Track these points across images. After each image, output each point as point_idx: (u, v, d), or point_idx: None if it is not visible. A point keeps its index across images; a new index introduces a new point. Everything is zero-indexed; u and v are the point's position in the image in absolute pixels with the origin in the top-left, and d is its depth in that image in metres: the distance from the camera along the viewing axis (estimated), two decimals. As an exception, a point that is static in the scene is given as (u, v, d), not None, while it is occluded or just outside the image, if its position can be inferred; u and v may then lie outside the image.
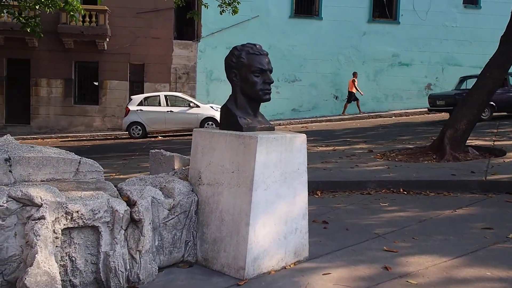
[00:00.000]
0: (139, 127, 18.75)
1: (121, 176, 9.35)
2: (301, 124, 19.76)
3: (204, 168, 4.49)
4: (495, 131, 13.21)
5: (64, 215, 3.21)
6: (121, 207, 3.65)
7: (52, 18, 20.71)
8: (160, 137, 18.51)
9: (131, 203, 3.91)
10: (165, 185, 4.53)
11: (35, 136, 20.11)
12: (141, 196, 4.14)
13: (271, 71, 4.43)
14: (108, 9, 21.18)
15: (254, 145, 4.11)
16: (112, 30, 21.66)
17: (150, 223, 3.84)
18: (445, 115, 19.47)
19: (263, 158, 4.15)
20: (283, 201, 4.34)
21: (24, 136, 20.03)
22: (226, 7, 13.14)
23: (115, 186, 4.35)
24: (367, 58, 22.02)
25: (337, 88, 21.06)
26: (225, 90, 22.36)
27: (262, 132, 4.37)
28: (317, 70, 21.51)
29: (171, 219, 4.18)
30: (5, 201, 2.94)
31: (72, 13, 9.11)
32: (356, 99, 21.09)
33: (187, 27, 24.22)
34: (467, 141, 10.23)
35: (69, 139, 19.55)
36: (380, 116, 20.41)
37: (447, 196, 7.07)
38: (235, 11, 13.20)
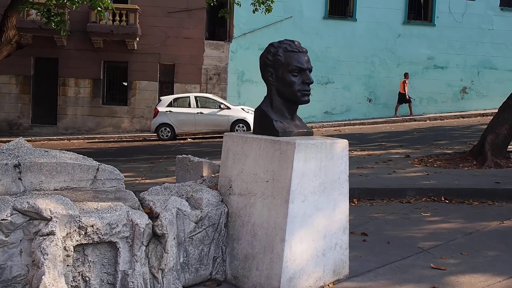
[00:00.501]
0: (168, 129, 18.49)
1: (147, 181, 9.06)
2: (333, 127, 19.27)
3: (235, 177, 4.11)
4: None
5: (77, 230, 2.83)
6: (142, 220, 3.26)
7: (82, 16, 20.71)
8: (189, 140, 18.22)
9: (153, 216, 3.53)
10: (192, 195, 4.15)
11: (61, 137, 20.08)
12: (165, 207, 3.76)
13: (310, 70, 4.01)
14: (138, 8, 21.05)
15: (292, 151, 3.71)
16: (142, 29, 21.51)
17: (174, 238, 3.45)
18: (481, 119, 18.76)
19: (301, 166, 3.76)
20: (322, 213, 3.94)
21: (50, 137, 20.02)
22: (259, 6, 12.69)
23: (137, 196, 3.99)
24: (401, 61, 21.42)
25: (370, 91, 20.48)
26: (257, 92, 22.11)
27: (300, 138, 3.97)
28: (351, 72, 21.00)
29: (198, 232, 3.79)
30: (9, 214, 2.58)
31: (99, 9, 8.79)
32: (409, 101, 20.53)
33: (219, 28, 23.96)
34: (508, 147, 9.77)
35: (96, 140, 19.44)
36: (415, 120, 19.78)
37: (492, 206, 6.66)
38: (268, 10, 12.75)
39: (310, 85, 4.01)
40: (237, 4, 12.80)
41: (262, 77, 4.14)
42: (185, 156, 4.91)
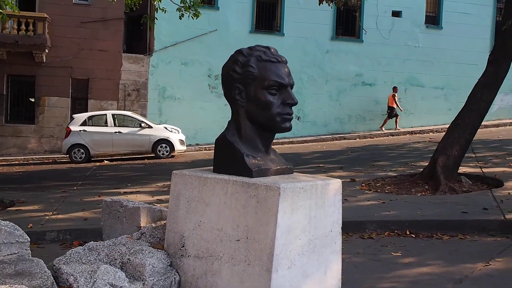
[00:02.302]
0: (82, 150, 16.80)
1: (59, 216, 7.63)
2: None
3: (190, 232, 3.05)
4: (473, 155, 12.44)
5: None
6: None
7: (-18, 25, 18.65)
8: (106, 162, 16.63)
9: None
10: (128, 259, 3.03)
11: (-43, 160, 17.75)
12: (93, 285, 2.58)
13: (292, 86, 3.00)
14: (48, 16, 19.18)
15: (275, 200, 2.75)
16: (52, 40, 19.64)
17: None
18: (411, 137, 18.73)
19: (287, 220, 2.80)
20: (311, 281, 3.01)
21: None
22: (185, 11, 11.51)
23: (50, 267, 2.77)
24: (330, 77, 21.07)
25: (299, 108, 19.86)
26: (180, 109, 20.86)
27: (281, 178, 2.96)
28: (278, 88, 20.42)
29: (142, 320, 2.63)
30: None
31: (0, 11, 7.31)
32: (397, 115, 20.15)
33: (138, 40, 22.61)
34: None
35: (-1, 163, 17.36)
36: (345, 138, 19.45)
37: (465, 240, 6.09)
38: (196, 15, 11.62)
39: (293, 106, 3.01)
40: (162, 10, 11.53)
41: (225, 95, 3.09)
42: (115, 199, 3.69)
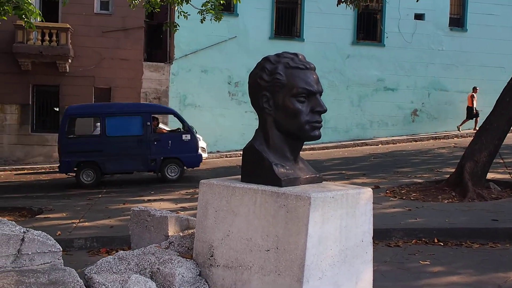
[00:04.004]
0: (105, 158, 16.96)
1: (86, 224, 7.68)
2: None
3: (218, 242, 3.01)
4: (501, 161, 12.15)
5: None
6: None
7: (7, 36, 18.92)
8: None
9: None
10: (158, 268, 3.02)
11: (-14, 169, 18.04)
12: (124, 295, 2.57)
13: (321, 93, 2.95)
14: (70, 27, 19.44)
15: (305, 210, 2.69)
16: (74, 50, 19.86)
17: None
18: (435, 143, 18.43)
19: (318, 230, 2.74)
20: None
21: (-27, 169, 17.93)
22: (207, 13, 11.43)
23: (82, 276, 2.78)
24: (351, 83, 20.85)
25: (319, 114, 19.80)
26: (201, 116, 20.79)
27: (311, 187, 2.91)
28: (298, 94, 20.31)
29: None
30: None
31: (26, 20, 7.41)
32: (477, 116, 19.42)
33: (158, 49, 22.73)
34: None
35: (25, 171, 17.56)
36: (366, 144, 19.23)
37: (496, 249, 5.91)
38: (218, 18, 11.55)
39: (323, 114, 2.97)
40: (184, 15, 11.48)
41: (252, 103, 3.05)
42: (143, 209, 3.69)
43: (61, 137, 13.05)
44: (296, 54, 2.96)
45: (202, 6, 11.57)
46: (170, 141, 13.14)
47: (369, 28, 21.37)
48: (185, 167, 13.12)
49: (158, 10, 12.22)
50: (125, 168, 12.97)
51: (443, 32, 21.49)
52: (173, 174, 12.90)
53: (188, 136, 13.17)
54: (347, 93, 20.82)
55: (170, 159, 12.89)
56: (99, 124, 13.56)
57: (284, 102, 2.87)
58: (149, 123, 12.99)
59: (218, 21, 11.76)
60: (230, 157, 17.86)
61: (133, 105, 15.48)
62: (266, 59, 2.97)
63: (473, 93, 19.70)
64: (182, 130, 13.59)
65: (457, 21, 21.84)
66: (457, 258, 5.56)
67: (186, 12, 11.64)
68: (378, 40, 21.37)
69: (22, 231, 2.77)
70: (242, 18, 20.55)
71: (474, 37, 21.15)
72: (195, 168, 13.72)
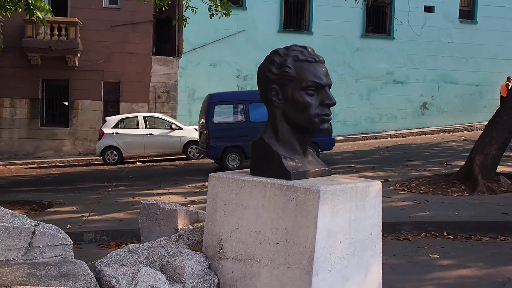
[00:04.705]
0: (114, 152, 17.03)
1: (96, 217, 7.73)
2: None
3: (228, 235, 3.02)
4: (511, 154, 12.09)
5: None
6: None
7: (16, 30, 19.05)
8: (138, 163, 16.82)
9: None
10: (168, 261, 3.03)
11: (-5, 163, 18.21)
12: (135, 287, 2.59)
13: (330, 86, 2.94)
14: (79, 21, 19.53)
15: (314, 202, 2.65)
16: (84, 44, 19.99)
17: None
18: (444, 136, 18.35)
19: (327, 223, 2.73)
20: (352, 285, 2.94)
21: (-16, 163, 18.10)
22: (216, 9, 11.44)
23: (92, 269, 2.81)
24: (360, 76, 20.79)
25: (328, 108, 19.79)
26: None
27: (320, 180, 2.90)
28: (307, 88, 20.27)
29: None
30: None
31: (37, 14, 7.43)
32: None
33: (166, 43, 22.76)
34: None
35: (35, 165, 17.70)
36: (376, 138, 19.17)
37: (506, 242, 5.90)
38: (227, 14, 11.55)
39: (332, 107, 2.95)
40: (192, 9, 11.48)
41: (261, 96, 3.05)
42: (152, 202, 3.71)
43: (209, 123, 13.25)
44: (305, 47, 2.95)
45: (210, 1, 11.58)
46: None
47: (378, 21, 21.26)
48: (320, 150, 13.31)
49: (167, 7, 12.25)
50: None
51: (453, 24, 21.34)
52: None
53: None
54: (356, 86, 20.77)
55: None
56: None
57: (293, 95, 2.86)
58: None
59: (227, 17, 11.77)
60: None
61: None
62: (275, 52, 2.97)
63: (508, 82, 19.41)
64: None
65: (467, 13, 21.68)
66: (467, 251, 5.55)
67: (194, 7, 11.64)
68: (388, 33, 21.28)
69: (33, 224, 2.79)
70: (250, 11, 20.52)
71: (484, 29, 21.00)
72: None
